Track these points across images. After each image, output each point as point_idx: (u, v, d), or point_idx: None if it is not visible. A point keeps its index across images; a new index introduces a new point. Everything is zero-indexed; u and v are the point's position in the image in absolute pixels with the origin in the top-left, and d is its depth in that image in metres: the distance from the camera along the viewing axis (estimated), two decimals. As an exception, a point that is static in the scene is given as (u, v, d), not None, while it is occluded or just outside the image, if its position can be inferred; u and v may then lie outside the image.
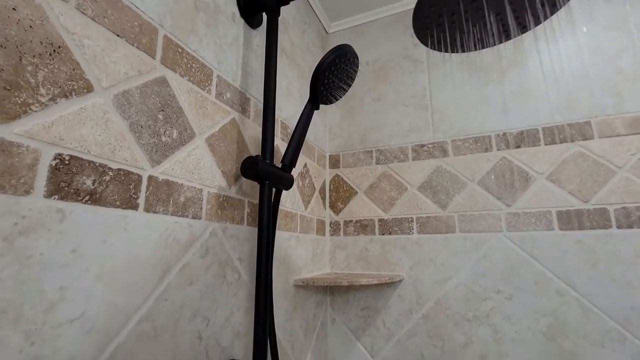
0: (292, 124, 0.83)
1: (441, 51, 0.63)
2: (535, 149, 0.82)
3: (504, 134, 0.85)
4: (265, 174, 0.55)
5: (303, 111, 0.62)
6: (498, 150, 0.85)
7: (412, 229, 0.90)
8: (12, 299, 0.29)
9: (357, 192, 0.98)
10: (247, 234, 0.62)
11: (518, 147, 0.84)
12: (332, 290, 0.96)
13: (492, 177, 0.85)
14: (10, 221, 0.30)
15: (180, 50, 0.50)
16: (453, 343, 0.81)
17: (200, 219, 0.51)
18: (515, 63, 0.88)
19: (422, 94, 0.97)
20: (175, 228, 0.47)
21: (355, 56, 0.62)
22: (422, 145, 0.93)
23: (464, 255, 0.84)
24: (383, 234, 0.93)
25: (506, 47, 0.89)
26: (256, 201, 0.65)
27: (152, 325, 0.42)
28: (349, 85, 0.67)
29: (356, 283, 0.76)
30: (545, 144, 0.81)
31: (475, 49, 0.62)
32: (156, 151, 0.44)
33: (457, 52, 0.64)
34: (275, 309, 0.70)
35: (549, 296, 0.75)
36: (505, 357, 0.77)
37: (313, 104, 0.62)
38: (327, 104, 0.64)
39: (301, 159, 0.88)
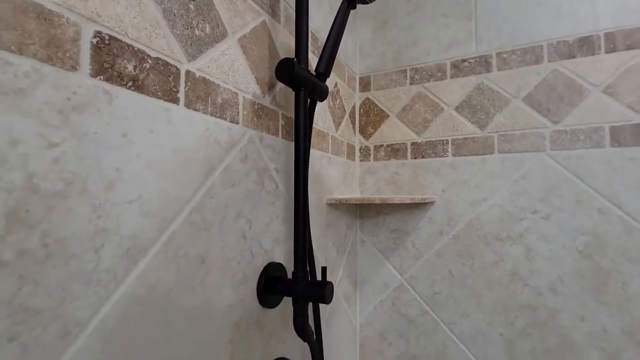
0: (322, 36, 0.78)
1: None
2: (593, 58, 0.74)
3: (558, 42, 0.76)
4: (300, 79, 0.53)
5: (338, 12, 0.57)
6: (549, 61, 0.77)
7: (447, 151, 0.87)
8: (76, 172, 0.31)
9: (388, 116, 0.94)
10: (282, 146, 0.61)
11: (573, 57, 0.75)
12: (361, 214, 0.98)
13: (540, 92, 0.78)
14: (63, 95, 0.30)
15: None
16: (482, 261, 0.83)
17: (237, 123, 0.51)
18: (580, -44, 0.76)
19: (465, 0, 0.87)
20: (215, 129, 0.46)
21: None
22: (463, 61, 0.86)
23: (501, 176, 0.81)
24: (415, 158, 0.91)
25: (571, -63, 0.76)
26: (290, 114, 0.64)
27: (202, 218, 0.44)
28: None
29: (389, 201, 0.76)
30: (606, 52, 0.73)
31: None
32: (191, 44, 0.43)
33: None
34: (311, 224, 0.72)
35: (590, 215, 0.73)
36: (536, 274, 0.78)
37: (349, 2, 0.56)
38: (365, 2, 0.58)
39: (331, 78, 0.83)
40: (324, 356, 0.75)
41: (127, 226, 0.35)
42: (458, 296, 0.85)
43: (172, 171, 0.40)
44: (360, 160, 0.98)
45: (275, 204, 0.60)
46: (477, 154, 0.84)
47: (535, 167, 0.78)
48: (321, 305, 0.74)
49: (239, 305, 0.51)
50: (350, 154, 0.95)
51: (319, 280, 0.54)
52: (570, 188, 0.75)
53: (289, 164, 0.64)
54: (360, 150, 0.98)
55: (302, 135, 0.55)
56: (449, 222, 0.87)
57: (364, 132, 0.98)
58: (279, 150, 0.61)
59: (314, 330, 0.68)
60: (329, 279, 0.80)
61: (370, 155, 0.97)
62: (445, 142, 0.87)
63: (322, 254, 0.77)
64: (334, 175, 0.84)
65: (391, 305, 0.93)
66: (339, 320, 0.85)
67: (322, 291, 0.52)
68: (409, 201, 0.78)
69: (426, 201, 0.83)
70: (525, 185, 0.79)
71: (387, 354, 0.92)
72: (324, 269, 0.55)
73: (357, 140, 0.99)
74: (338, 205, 0.86)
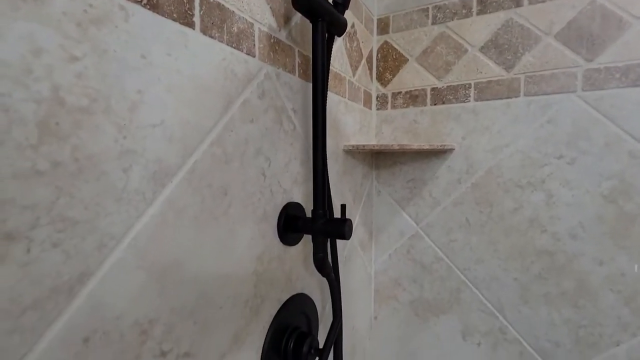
0: (340, -30, 0.73)
1: None
2: (639, -15, 0.67)
3: (600, -31, 0.69)
4: (318, 7, 0.50)
5: None
6: (588, -9, 0.70)
7: (469, 96, 0.83)
8: (99, 90, 0.31)
9: (407, 60, 0.90)
10: (299, 86, 0.60)
11: (616, -15, 0.68)
12: (377, 165, 0.97)
13: (574, 27, 0.72)
14: (80, 7, 0.29)
15: None
16: (501, 209, 0.82)
17: (254, 56, 0.49)
18: None
19: None
20: (232, 60, 0.45)
21: None
22: (491, -5, 0.79)
23: (525, 121, 0.78)
24: (435, 104, 0.87)
25: None
26: (307, 52, 0.61)
27: (223, 151, 0.44)
28: None
29: (406, 148, 0.75)
30: (655, -22, 0.65)
31: None
32: (204, -36, 0.40)
33: None
34: (328, 168, 0.71)
35: (619, 158, 0.70)
36: (556, 220, 0.77)
37: None
38: None
39: (348, 18, 0.79)
40: (342, 301, 0.78)
41: (152, 150, 0.35)
42: (474, 243, 0.85)
43: (191, 99, 0.39)
44: (377, 109, 0.95)
45: (293, 145, 0.59)
46: (501, 98, 0.80)
47: (563, 109, 0.74)
48: (338, 246, 0.76)
49: (261, 239, 0.52)
50: (367, 102, 0.92)
51: (338, 217, 0.55)
52: (599, 130, 0.71)
53: (306, 106, 0.63)
54: (377, 98, 0.95)
55: (320, 71, 0.53)
56: (467, 170, 0.85)
57: (381, 79, 0.94)
58: (296, 89, 0.59)
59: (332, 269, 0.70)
60: (345, 225, 0.81)
61: (387, 103, 0.94)
62: (467, 86, 0.83)
63: (339, 199, 0.78)
64: (351, 122, 0.82)
65: (406, 253, 0.94)
66: (355, 267, 0.87)
67: (342, 227, 0.53)
68: (427, 147, 0.77)
69: (445, 148, 0.81)
70: (551, 129, 0.76)
71: (402, 299, 0.96)
72: (343, 206, 0.56)
73: (374, 87, 0.95)
74: (354, 153, 0.85)
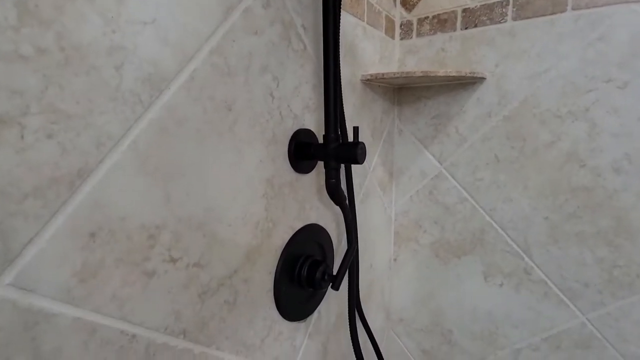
0: None
1: None
2: None
3: None
4: None
5: None
6: None
7: (506, 15, 0.73)
8: (78, -28, 0.28)
9: (436, -22, 0.80)
10: (309, 0, 0.54)
11: None
12: (400, 100, 0.91)
13: None
14: None
15: None
16: (535, 143, 0.75)
17: (255, -43, 0.44)
18: None
19: None
20: (230, -42, 0.41)
21: None
22: None
23: (571, 39, 0.68)
24: (466, 28, 0.78)
25: None
26: (317, -39, 0.55)
27: (224, 62, 0.42)
28: None
29: (431, 74, 0.68)
30: None
31: None
32: None
33: None
34: (344, 99, 0.68)
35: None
36: (598, 152, 0.69)
37: None
38: None
39: None
40: (359, 239, 0.77)
41: (145, 50, 0.33)
42: (502, 181, 0.80)
43: (186, 2, 0.36)
44: (401, 38, 0.87)
45: (304, 67, 0.56)
46: (544, 15, 0.70)
47: (618, 23, 0.64)
48: (355, 183, 0.74)
49: (271, 163, 0.51)
50: (390, 30, 0.84)
51: (350, 141, 0.52)
52: (663, 45, 0.61)
53: (318, 25, 0.58)
54: (401, 26, 0.87)
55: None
56: (499, 102, 0.78)
57: (406, 3, 0.85)
58: (305, 4, 0.54)
59: (347, 197, 0.69)
60: (366, 162, 0.78)
61: (412, 31, 0.85)
62: (504, 3, 0.73)
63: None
64: (370, 50, 0.76)
65: (428, 194, 0.91)
66: (373, 206, 0.86)
67: (354, 150, 0.50)
68: (454, 74, 0.70)
69: (475, 77, 0.73)
70: (601, 47, 0.66)
71: (422, 241, 0.94)
72: (355, 129, 0.53)
73: (398, 13, 0.87)
74: (374, 86, 0.79)
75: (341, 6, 0.52)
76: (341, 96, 0.60)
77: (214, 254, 0.43)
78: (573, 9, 0.67)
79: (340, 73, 0.53)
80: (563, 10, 0.68)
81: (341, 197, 0.56)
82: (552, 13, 0.69)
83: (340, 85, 0.55)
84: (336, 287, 0.55)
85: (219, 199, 0.43)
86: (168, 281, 0.38)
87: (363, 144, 0.51)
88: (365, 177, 0.80)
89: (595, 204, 0.70)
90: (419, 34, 0.84)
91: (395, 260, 0.99)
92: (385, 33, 0.82)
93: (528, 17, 0.71)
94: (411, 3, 0.84)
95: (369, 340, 0.79)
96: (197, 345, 0.42)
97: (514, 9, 0.72)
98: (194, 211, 0.40)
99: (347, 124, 0.70)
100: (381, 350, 0.80)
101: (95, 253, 0.31)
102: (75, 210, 0.30)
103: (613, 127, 0.67)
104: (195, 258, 0.41)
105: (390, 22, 0.84)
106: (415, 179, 0.92)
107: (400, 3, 0.85)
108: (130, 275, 0.34)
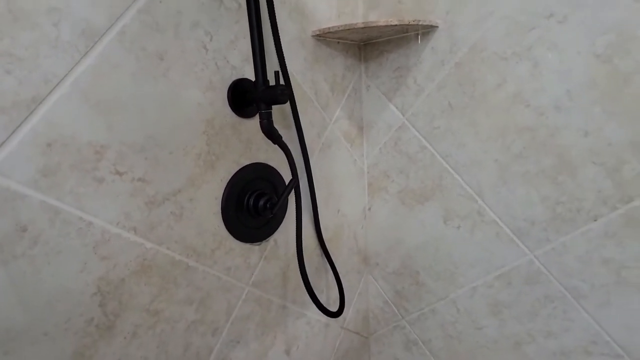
0: None
1: None
2: None
3: None
4: None
5: None
6: None
7: (451, -41, 0.74)
8: (17, -46, 0.40)
9: None
10: (240, -38, 0.63)
11: None
12: (366, 57, 0.96)
13: None
14: None
15: None
16: (483, 87, 0.77)
17: None
18: None
19: None
20: None
21: None
22: None
23: (511, -23, 0.68)
24: (417, -23, 0.80)
25: None
26: None
27: (153, 20, 0.52)
28: None
29: (371, 25, 0.73)
30: None
31: None
32: None
33: None
34: (291, 54, 0.75)
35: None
36: (541, 92, 0.70)
37: None
38: None
39: None
40: (322, 185, 0.86)
41: (77, 10, 0.45)
42: (455, 128, 0.83)
43: (109, -32, 0.47)
44: (361, -5, 0.91)
45: (240, 23, 0.64)
46: (485, -45, 0.70)
47: (556, -45, 0.63)
48: (313, 132, 0.82)
49: (209, 106, 0.62)
50: (348, -13, 0.88)
51: (272, 84, 0.61)
52: (596, -27, 0.60)
53: (255, -15, 0.65)
54: (361, -18, 0.90)
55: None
56: (451, 49, 0.80)
57: (364, -40, 0.88)
58: (236, -34, 0.62)
59: (300, 145, 0.78)
60: (323, 113, 0.86)
61: (371, -14, 0.89)
62: (449, -53, 0.74)
63: (311, 87, 0.82)
64: (323, 7, 0.82)
65: (394, 145, 0.96)
66: (338, 157, 0.93)
67: (275, 92, 0.59)
68: (396, 22, 0.74)
69: (419, 24, 0.76)
70: (540, -18, 0.65)
71: (390, 190, 1.00)
72: (276, 73, 0.61)
73: (358, -29, 0.90)
74: (331, 42, 0.85)
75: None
76: (281, 50, 0.67)
77: (158, 174, 0.56)
78: (512, -55, 0.67)
79: (261, 24, 0.60)
80: (503, -52, 0.68)
81: (275, 134, 0.65)
82: (494, -48, 0.69)
83: (275, 38, 0.63)
84: (272, 213, 0.66)
85: (159, 130, 0.55)
86: (116, 188, 0.51)
87: (283, 86, 0.60)
88: (325, 128, 0.87)
89: (539, 143, 0.72)
90: (377, -11, 0.88)
91: (369, 209, 1.07)
92: (343, -10, 0.87)
93: (471, -40, 0.72)
94: (368, -42, 0.87)
95: (332, 274, 0.89)
96: (147, 242, 0.56)
97: (459, -47, 0.73)
98: (135, 137, 0.53)
99: (298, 78, 0.78)
100: (344, 286, 0.90)
101: (53, 158, 0.45)
102: (34, 126, 0.43)
103: (554, 64, 0.68)
104: (140, 174, 0.54)
105: (348, -22, 0.88)
106: (382, 131, 0.98)
107: (359, -41, 0.89)
108: (83, 179, 0.48)
